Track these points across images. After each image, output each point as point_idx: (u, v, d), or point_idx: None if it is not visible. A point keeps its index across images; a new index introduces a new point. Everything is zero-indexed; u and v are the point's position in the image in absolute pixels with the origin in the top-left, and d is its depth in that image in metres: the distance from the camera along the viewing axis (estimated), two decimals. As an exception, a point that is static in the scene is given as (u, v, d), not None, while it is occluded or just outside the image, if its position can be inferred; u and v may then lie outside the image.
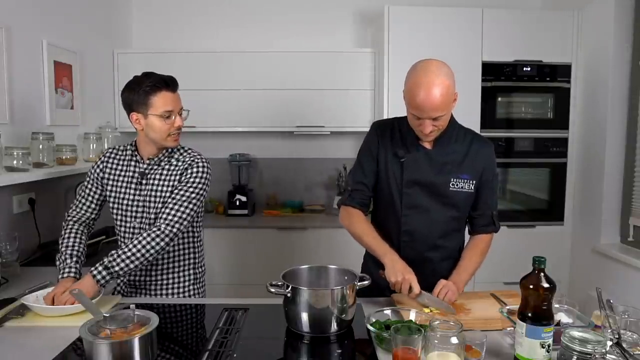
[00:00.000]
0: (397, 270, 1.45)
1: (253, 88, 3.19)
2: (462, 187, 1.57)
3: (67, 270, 1.54)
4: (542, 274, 1.09)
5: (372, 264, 1.70)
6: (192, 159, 1.66)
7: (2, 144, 1.92)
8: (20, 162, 1.97)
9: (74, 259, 1.58)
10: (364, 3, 3.47)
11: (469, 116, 3.00)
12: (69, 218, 1.71)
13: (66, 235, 1.65)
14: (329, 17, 3.48)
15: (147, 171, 1.66)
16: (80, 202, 1.73)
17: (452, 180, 1.57)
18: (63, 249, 1.61)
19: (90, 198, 1.72)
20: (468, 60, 2.97)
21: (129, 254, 1.49)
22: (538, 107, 3.07)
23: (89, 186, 1.72)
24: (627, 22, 2.67)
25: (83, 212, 1.72)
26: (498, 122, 3.04)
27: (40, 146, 2.15)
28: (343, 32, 3.50)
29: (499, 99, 3.03)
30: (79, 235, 1.66)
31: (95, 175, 1.71)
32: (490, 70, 2.98)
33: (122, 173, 1.68)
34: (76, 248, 1.62)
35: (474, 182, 1.58)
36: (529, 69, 2.98)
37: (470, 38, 2.96)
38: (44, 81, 2.38)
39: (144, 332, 1.13)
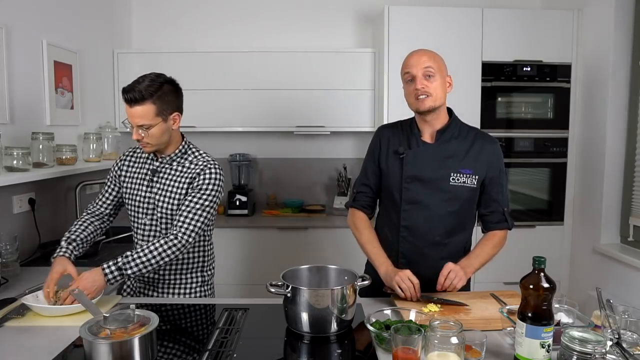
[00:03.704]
0: (392, 280, 1.50)
1: (253, 88, 3.19)
2: (463, 182, 1.58)
3: (58, 251, 1.59)
4: (542, 274, 1.09)
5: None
6: (204, 164, 1.65)
7: (2, 144, 1.92)
8: (20, 162, 1.97)
9: (70, 241, 1.63)
10: (364, 3, 3.47)
11: (469, 116, 2.99)
12: (84, 212, 1.78)
13: (73, 223, 1.71)
14: (329, 17, 3.48)
15: (159, 169, 1.68)
16: (98, 197, 1.80)
17: (452, 174, 1.57)
18: (65, 234, 1.66)
19: (107, 195, 1.78)
20: (468, 60, 2.97)
21: (143, 258, 1.51)
22: (538, 107, 3.07)
23: (108, 183, 1.78)
24: (627, 22, 2.67)
25: (99, 206, 1.78)
26: (498, 122, 3.04)
27: (40, 146, 2.15)
28: (343, 32, 3.50)
29: (499, 99, 3.03)
30: (85, 225, 1.71)
31: (114, 173, 1.77)
32: (490, 70, 2.99)
33: (138, 170, 1.72)
34: (77, 233, 1.67)
35: (477, 177, 1.59)
36: (529, 69, 2.99)
37: (470, 38, 2.96)
38: (44, 81, 2.38)
39: (144, 332, 1.13)
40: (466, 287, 1.72)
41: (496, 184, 1.62)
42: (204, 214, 1.60)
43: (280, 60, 3.19)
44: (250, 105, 3.21)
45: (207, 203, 1.61)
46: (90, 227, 1.72)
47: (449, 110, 1.66)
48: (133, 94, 1.51)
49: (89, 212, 1.77)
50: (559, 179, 3.06)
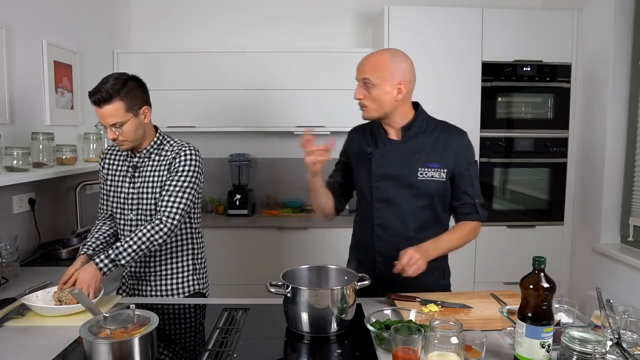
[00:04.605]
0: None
1: (253, 88, 3.19)
2: (432, 176, 1.57)
3: (80, 252, 1.67)
4: (542, 274, 1.08)
5: (355, 261, 1.74)
6: (179, 147, 1.68)
7: (2, 144, 1.92)
8: (20, 162, 1.97)
9: (85, 243, 1.71)
10: (364, 3, 3.47)
11: (469, 116, 3.01)
12: (96, 222, 1.83)
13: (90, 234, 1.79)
14: (329, 17, 3.48)
15: (138, 164, 1.70)
16: (100, 202, 1.83)
17: (419, 169, 1.57)
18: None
19: (104, 197, 1.80)
20: (468, 60, 2.97)
21: (134, 246, 1.53)
22: (538, 107, 3.07)
23: (101, 186, 1.80)
24: (627, 22, 2.67)
25: (104, 210, 1.83)
26: (498, 122, 3.04)
27: (40, 146, 2.15)
28: (343, 32, 3.50)
29: (499, 99, 3.03)
30: (97, 227, 1.80)
31: (101, 175, 1.79)
32: (490, 70, 2.99)
33: (119, 168, 1.74)
34: (96, 235, 1.75)
35: (446, 170, 1.58)
36: (529, 69, 2.99)
37: (470, 38, 2.96)
38: (44, 81, 2.38)
39: (144, 332, 1.13)
40: (446, 288, 1.71)
41: (465, 176, 1.60)
42: (185, 194, 1.62)
43: (281, 60, 3.19)
44: (250, 105, 3.20)
45: (186, 184, 1.63)
46: (104, 227, 1.79)
47: (416, 105, 1.65)
48: (100, 95, 1.53)
49: (99, 218, 1.83)
50: (559, 179, 3.06)
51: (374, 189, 1.62)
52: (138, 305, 1.25)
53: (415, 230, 1.60)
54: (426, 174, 1.57)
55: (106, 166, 1.76)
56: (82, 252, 1.66)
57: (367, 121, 1.68)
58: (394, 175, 1.59)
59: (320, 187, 1.68)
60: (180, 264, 1.75)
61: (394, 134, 1.63)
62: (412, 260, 1.43)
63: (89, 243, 1.70)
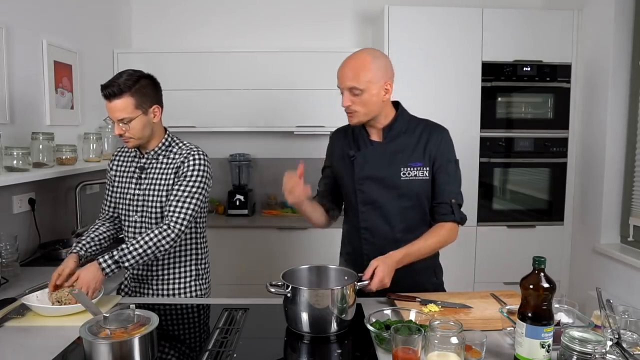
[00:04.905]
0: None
1: (253, 88, 3.19)
2: (415, 175, 1.56)
3: (72, 249, 1.64)
4: (542, 274, 1.08)
5: (344, 264, 1.74)
6: (188, 151, 1.66)
7: (2, 144, 1.92)
8: (20, 162, 1.97)
9: (79, 241, 1.69)
10: (363, 3, 3.47)
11: (469, 116, 3.01)
12: (96, 221, 1.81)
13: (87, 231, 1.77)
14: (329, 17, 3.48)
15: (146, 165, 1.69)
16: (103, 202, 1.82)
17: (402, 169, 1.56)
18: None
19: (109, 198, 1.80)
20: (468, 60, 2.97)
21: (140, 250, 1.52)
22: (538, 107, 3.07)
23: (107, 186, 1.80)
24: (627, 22, 2.67)
25: (106, 211, 1.81)
26: (498, 122, 3.04)
27: (40, 146, 2.15)
28: (343, 32, 3.50)
29: (499, 99, 3.03)
30: (95, 227, 1.77)
31: (109, 175, 1.79)
32: (490, 70, 2.99)
33: (126, 169, 1.74)
34: (92, 235, 1.72)
35: (428, 168, 1.57)
36: (529, 69, 2.99)
37: (470, 38, 2.96)
38: (44, 81, 2.38)
39: (144, 332, 1.13)
40: (439, 286, 1.70)
41: (443, 173, 1.58)
42: (193, 200, 1.61)
43: (281, 60, 3.19)
44: (250, 105, 3.21)
45: (194, 190, 1.61)
46: (101, 227, 1.78)
47: (397, 104, 1.64)
48: (112, 89, 1.53)
49: (99, 219, 1.82)
50: (559, 179, 3.06)
51: (358, 192, 1.61)
52: (138, 305, 1.25)
53: (401, 231, 1.59)
54: (409, 173, 1.56)
55: (114, 167, 1.76)
56: (74, 251, 1.63)
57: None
58: (377, 176, 1.58)
59: (308, 206, 1.66)
60: (182, 269, 1.74)
61: (375, 135, 1.62)
62: (382, 283, 1.42)
63: (83, 242, 1.68)
